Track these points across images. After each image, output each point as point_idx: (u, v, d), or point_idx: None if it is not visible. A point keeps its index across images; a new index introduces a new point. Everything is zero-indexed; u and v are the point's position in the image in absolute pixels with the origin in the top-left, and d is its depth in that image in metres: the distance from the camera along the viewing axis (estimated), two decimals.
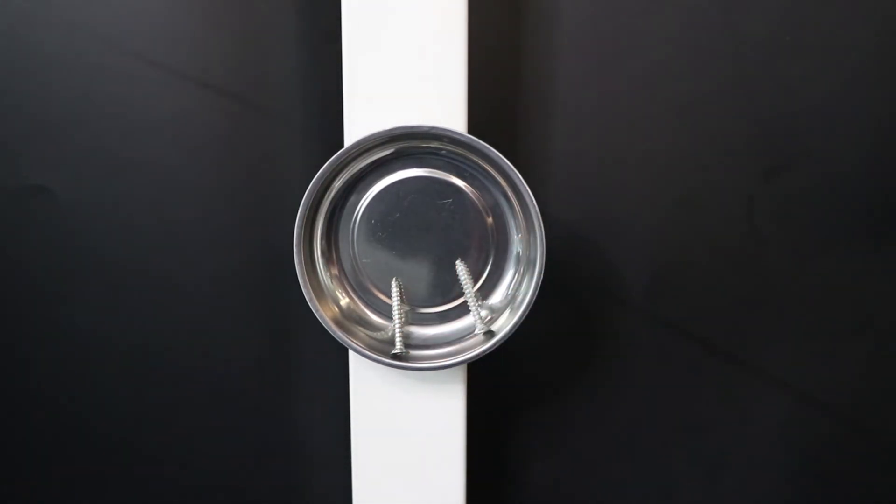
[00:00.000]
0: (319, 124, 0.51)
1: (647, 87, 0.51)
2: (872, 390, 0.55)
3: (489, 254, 0.45)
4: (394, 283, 0.45)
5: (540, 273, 0.42)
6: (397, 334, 0.44)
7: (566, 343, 0.54)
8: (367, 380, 0.46)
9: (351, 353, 0.45)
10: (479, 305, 0.44)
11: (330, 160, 0.41)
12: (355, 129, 0.43)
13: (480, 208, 0.44)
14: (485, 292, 0.45)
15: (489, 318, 0.45)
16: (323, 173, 0.42)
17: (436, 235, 0.44)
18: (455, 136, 0.41)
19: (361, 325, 0.45)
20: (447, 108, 0.43)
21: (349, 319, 0.45)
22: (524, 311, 0.42)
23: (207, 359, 0.54)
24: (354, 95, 0.43)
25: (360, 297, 0.46)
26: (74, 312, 0.53)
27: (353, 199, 0.44)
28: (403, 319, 0.44)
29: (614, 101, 0.51)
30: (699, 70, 0.50)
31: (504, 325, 0.43)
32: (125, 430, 0.55)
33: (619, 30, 0.50)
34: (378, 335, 0.45)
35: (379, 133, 0.41)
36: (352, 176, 0.44)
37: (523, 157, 0.51)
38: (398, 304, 0.44)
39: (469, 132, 0.43)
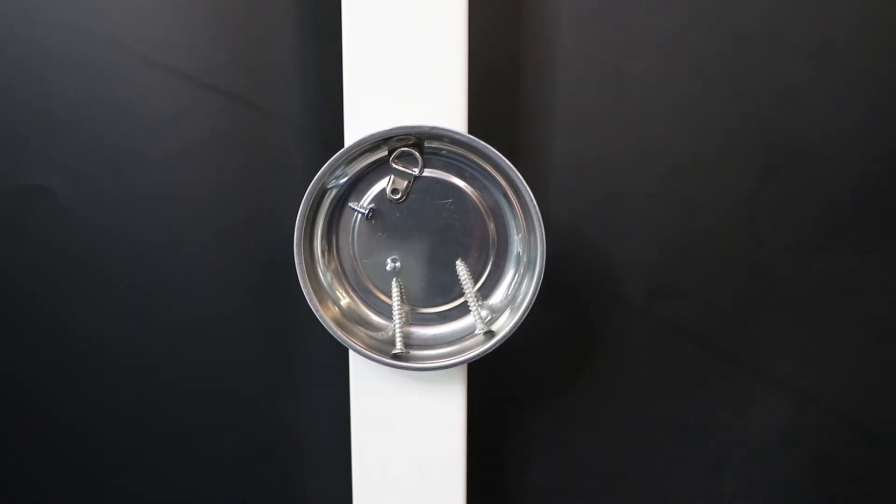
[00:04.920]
0: (319, 124, 0.51)
1: (647, 87, 0.51)
2: (873, 390, 0.55)
3: (489, 254, 0.45)
4: (394, 283, 0.45)
5: (540, 273, 0.42)
6: (397, 334, 0.44)
7: (566, 343, 0.54)
8: (367, 380, 0.46)
9: (351, 353, 0.45)
10: (479, 305, 0.44)
11: (330, 160, 0.41)
12: (355, 129, 0.43)
13: (480, 208, 0.44)
14: (485, 292, 0.45)
15: (489, 318, 0.45)
16: (323, 173, 0.42)
17: (436, 235, 0.44)
18: (455, 136, 0.41)
19: (361, 325, 0.45)
20: (447, 108, 0.43)
21: (349, 319, 0.45)
22: (524, 311, 0.42)
23: (207, 358, 0.54)
24: (354, 95, 0.43)
25: (360, 297, 0.46)
26: (74, 311, 0.53)
27: (352, 198, 0.44)
28: (403, 319, 0.44)
29: (614, 101, 0.51)
30: (699, 70, 0.50)
31: (504, 325, 0.43)
32: (124, 430, 0.55)
33: (619, 30, 0.50)
34: (378, 335, 0.45)
35: (379, 133, 0.41)
36: (352, 176, 0.44)
37: (523, 157, 0.51)
38: (398, 304, 0.44)
39: (469, 132, 0.43)
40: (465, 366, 0.45)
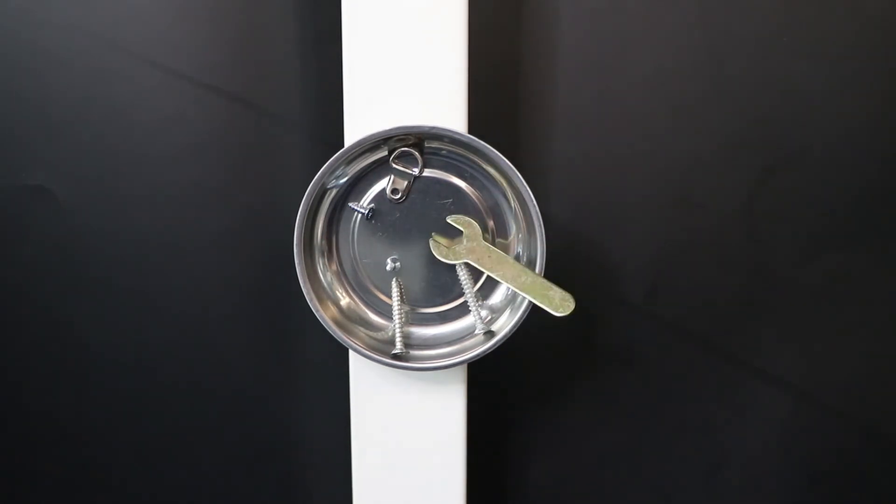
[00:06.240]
0: (319, 124, 0.51)
1: (647, 87, 0.51)
2: (872, 390, 0.55)
3: None
4: (394, 283, 0.45)
5: (540, 273, 0.42)
6: (397, 334, 0.44)
7: (566, 343, 0.54)
8: (367, 380, 0.46)
9: (351, 353, 0.45)
10: (479, 305, 0.44)
11: (330, 160, 0.41)
12: (355, 129, 0.43)
13: (480, 208, 0.44)
14: (485, 292, 0.45)
15: (489, 318, 0.45)
16: (323, 173, 0.42)
17: None
18: (455, 136, 0.41)
19: (361, 325, 0.45)
20: (447, 108, 0.43)
21: (349, 319, 0.45)
22: (524, 311, 0.42)
23: (207, 358, 0.54)
24: (354, 95, 0.43)
25: (360, 297, 0.46)
26: (74, 311, 0.53)
27: (352, 198, 0.44)
28: (403, 319, 0.44)
29: (614, 102, 0.51)
30: (699, 70, 0.50)
31: (504, 325, 0.43)
32: (123, 430, 0.55)
33: (619, 30, 0.50)
34: (378, 335, 0.45)
35: (379, 133, 0.41)
36: (352, 176, 0.44)
37: (523, 157, 0.51)
38: (398, 304, 0.44)
39: (469, 132, 0.43)
40: (465, 366, 0.45)
